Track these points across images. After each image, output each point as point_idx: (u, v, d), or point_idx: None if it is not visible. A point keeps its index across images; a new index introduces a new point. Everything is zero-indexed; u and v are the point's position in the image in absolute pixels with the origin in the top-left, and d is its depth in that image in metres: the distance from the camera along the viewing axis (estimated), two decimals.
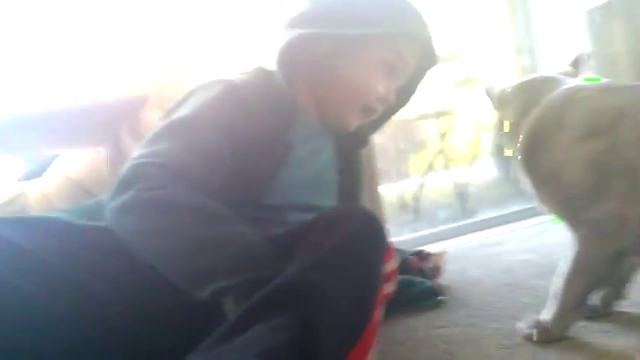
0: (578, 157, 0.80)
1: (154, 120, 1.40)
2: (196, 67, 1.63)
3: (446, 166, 2.28)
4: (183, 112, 0.87)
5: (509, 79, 0.99)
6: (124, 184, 0.74)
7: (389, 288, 0.79)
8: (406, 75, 1.05)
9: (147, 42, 1.65)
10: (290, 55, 0.97)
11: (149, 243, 0.71)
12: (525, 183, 0.92)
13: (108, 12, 1.68)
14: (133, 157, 0.79)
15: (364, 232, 0.70)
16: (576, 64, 1.04)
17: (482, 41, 2.33)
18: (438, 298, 1.15)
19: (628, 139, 0.76)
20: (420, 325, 1.03)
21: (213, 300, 0.66)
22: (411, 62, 1.04)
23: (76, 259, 0.73)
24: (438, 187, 2.29)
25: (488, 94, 1.02)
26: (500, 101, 0.98)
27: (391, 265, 0.89)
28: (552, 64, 2.21)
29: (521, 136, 0.89)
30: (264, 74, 0.99)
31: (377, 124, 1.12)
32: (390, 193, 2.17)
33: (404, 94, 1.10)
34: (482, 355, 0.85)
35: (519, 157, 0.90)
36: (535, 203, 0.93)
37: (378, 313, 0.73)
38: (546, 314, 0.86)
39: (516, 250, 1.51)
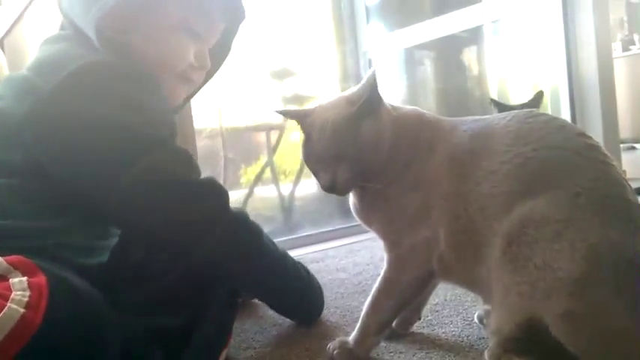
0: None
1: None
2: None
3: (274, 180, 2.29)
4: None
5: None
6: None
7: None
8: (216, 34, 1.01)
9: None
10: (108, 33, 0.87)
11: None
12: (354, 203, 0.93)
13: None
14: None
15: None
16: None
17: (315, 64, 2.43)
18: None
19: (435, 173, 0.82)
20: (231, 345, 0.98)
21: None
22: (218, 19, 0.99)
23: None
24: (265, 200, 2.29)
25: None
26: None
27: None
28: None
29: None
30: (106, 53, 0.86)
31: (197, 88, 1.07)
32: None
33: (220, 54, 1.07)
34: None
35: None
36: (358, 221, 0.94)
37: None
38: (353, 335, 0.88)
39: (332, 268, 1.56)
